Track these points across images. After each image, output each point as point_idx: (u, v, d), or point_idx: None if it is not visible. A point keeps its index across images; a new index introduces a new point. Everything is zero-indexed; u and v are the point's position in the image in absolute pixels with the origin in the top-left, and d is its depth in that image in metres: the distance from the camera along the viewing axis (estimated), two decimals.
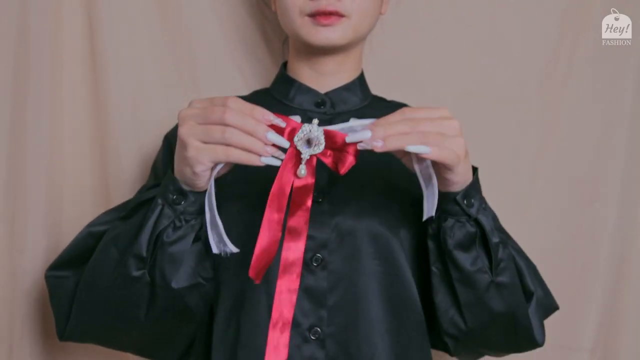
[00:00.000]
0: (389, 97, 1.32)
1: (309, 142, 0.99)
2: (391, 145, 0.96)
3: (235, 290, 1.14)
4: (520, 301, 1.14)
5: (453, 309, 1.12)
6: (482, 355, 1.25)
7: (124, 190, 1.38)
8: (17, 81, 1.28)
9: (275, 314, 1.07)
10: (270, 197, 1.00)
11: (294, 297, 1.07)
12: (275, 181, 1.00)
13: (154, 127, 1.38)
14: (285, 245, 1.05)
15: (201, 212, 1.04)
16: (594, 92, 1.49)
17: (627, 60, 1.48)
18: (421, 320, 1.17)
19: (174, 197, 1.02)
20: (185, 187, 1.02)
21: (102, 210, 1.23)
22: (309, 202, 1.04)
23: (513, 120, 1.49)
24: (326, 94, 1.24)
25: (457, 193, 1.03)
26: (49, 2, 1.34)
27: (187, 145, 0.97)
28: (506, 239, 1.14)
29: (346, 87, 1.24)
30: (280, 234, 1.01)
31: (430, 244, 1.10)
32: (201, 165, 0.98)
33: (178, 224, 1.03)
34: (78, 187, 1.41)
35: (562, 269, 1.49)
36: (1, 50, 1.27)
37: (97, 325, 1.13)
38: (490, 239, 1.07)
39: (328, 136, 0.99)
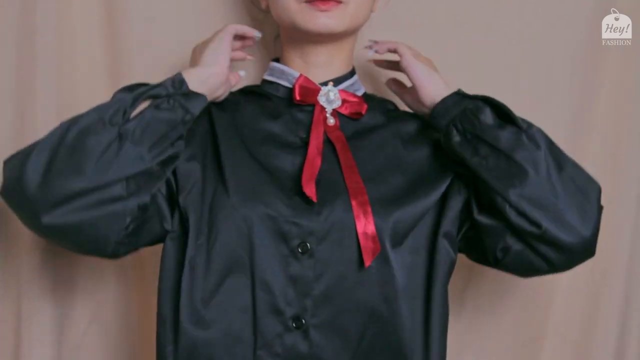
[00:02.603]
0: (385, 94, 1.34)
1: (329, 100, 1.21)
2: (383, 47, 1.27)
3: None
4: (563, 155, 1.17)
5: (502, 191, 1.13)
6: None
7: None
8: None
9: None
10: (310, 142, 1.16)
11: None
12: (312, 132, 1.18)
13: None
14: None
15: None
16: (594, 92, 1.49)
17: (627, 60, 1.48)
18: (401, 305, 1.16)
19: (174, 81, 1.12)
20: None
21: None
22: (343, 138, 1.19)
23: None
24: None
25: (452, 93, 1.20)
26: None
27: (208, 41, 1.20)
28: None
29: (338, 80, 1.24)
30: (320, 157, 1.15)
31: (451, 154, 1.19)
32: (227, 34, 1.19)
33: (169, 104, 1.11)
34: None
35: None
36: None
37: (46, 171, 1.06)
38: (502, 107, 1.17)
39: (342, 94, 1.23)
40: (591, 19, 1.47)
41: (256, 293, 1.12)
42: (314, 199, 1.12)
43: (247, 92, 1.28)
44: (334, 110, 1.21)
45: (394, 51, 1.26)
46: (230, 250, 1.12)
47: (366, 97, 1.27)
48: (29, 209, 1.06)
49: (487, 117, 1.16)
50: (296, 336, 1.12)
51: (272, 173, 1.16)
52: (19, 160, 1.07)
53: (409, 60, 1.24)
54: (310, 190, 1.12)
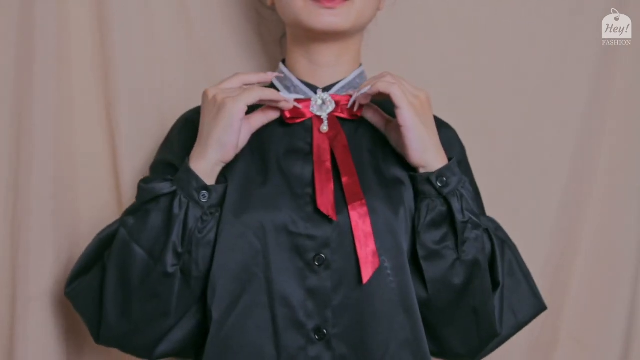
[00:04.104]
0: None
1: (322, 107, 1.18)
2: (375, 87, 1.12)
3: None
4: (486, 286, 1.16)
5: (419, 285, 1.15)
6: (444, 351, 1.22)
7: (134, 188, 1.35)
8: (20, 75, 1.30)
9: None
10: (314, 155, 1.15)
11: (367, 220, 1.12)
12: (314, 143, 1.16)
13: (153, 126, 1.38)
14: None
15: (223, 202, 1.13)
16: (592, 91, 1.49)
17: (627, 60, 1.48)
18: (413, 306, 1.15)
19: (199, 194, 1.10)
20: (208, 183, 1.11)
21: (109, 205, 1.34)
22: (345, 141, 1.16)
23: (511, 120, 1.49)
24: (325, 89, 1.21)
25: (432, 174, 1.12)
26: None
27: (221, 101, 1.09)
28: (480, 223, 1.15)
29: (346, 86, 1.21)
30: (330, 173, 1.13)
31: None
32: (239, 112, 1.08)
33: (206, 218, 1.12)
34: (91, 183, 1.41)
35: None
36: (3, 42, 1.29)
37: (129, 321, 1.14)
38: (456, 218, 1.12)
39: (335, 99, 1.19)
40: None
41: (275, 309, 1.11)
42: (334, 218, 1.11)
43: None
44: (330, 114, 1.18)
45: (387, 96, 1.13)
46: (243, 268, 1.12)
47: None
48: (137, 354, 1.19)
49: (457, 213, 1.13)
50: (320, 347, 1.11)
51: (283, 180, 1.15)
52: (92, 315, 1.16)
53: (406, 121, 1.11)
54: (326, 208, 1.11)
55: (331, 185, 1.12)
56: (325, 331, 1.11)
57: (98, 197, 1.40)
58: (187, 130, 1.21)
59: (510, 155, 1.49)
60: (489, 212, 1.28)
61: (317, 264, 1.11)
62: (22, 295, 1.30)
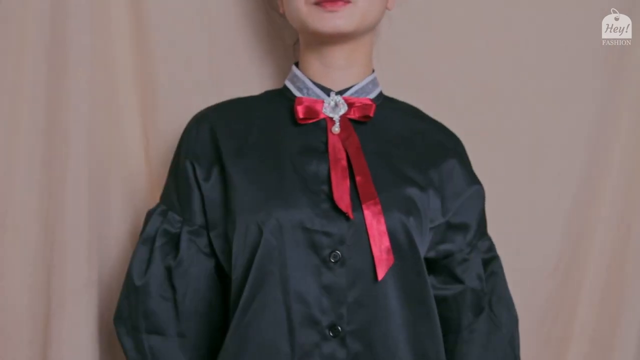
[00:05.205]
0: (400, 98, 1.32)
1: (335, 109, 1.19)
2: None
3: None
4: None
5: None
6: None
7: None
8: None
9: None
10: (330, 153, 1.16)
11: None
12: (329, 141, 1.17)
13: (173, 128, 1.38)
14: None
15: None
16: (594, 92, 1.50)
17: (627, 60, 1.49)
18: (432, 307, 1.18)
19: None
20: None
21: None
22: (357, 142, 1.17)
23: (524, 120, 1.50)
24: (338, 93, 1.21)
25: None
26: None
27: None
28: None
29: (359, 91, 1.22)
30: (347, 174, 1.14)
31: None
32: None
33: None
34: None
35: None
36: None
37: None
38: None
39: (348, 101, 1.20)
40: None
41: (290, 305, 1.12)
42: (351, 216, 1.12)
43: (269, 97, 1.27)
44: (342, 116, 1.19)
45: None
46: (259, 264, 1.13)
47: (385, 101, 1.26)
48: None
49: None
50: (334, 344, 1.12)
51: (297, 178, 1.16)
52: None
53: None
54: (345, 204, 1.12)
55: (347, 183, 1.13)
56: (339, 328, 1.12)
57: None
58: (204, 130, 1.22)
59: (523, 154, 1.49)
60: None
61: (332, 260, 1.12)
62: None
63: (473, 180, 1.25)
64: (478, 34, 1.48)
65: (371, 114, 1.20)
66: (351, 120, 1.20)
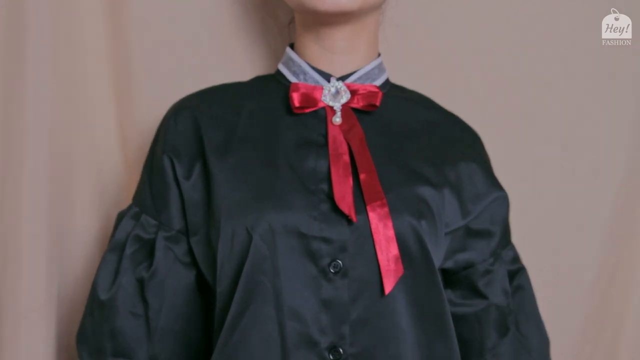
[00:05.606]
0: (409, 86, 1.24)
1: (335, 97, 1.12)
2: None
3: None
4: None
5: None
6: None
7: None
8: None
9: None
10: (330, 147, 1.08)
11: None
12: (329, 134, 1.09)
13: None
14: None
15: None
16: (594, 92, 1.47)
17: (627, 60, 1.47)
18: (448, 326, 1.10)
19: None
20: None
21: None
22: (361, 135, 1.10)
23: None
24: (340, 79, 1.14)
25: None
26: None
27: None
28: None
29: (363, 77, 1.14)
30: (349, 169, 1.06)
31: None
32: None
33: None
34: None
35: None
36: None
37: None
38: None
39: (351, 88, 1.13)
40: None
41: (284, 323, 1.03)
42: (354, 219, 1.03)
43: (260, 83, 1.19)
44: (344, 105, 1.11)
45: None
46: (248, 276, 1.03)
47: (392, 89, 1.19)
48: None
49: None
50: None
51: (293, 175, 1.08)
52: None
53: None
54: (347, 206, 1.04)
55: (350, 181, 1.05)
56: (341, 350, 1.03)
57: (99, 198, 1.34)
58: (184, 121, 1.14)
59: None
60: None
61: (332, 271, 1.04)
62: (9, 317, 1.21)
63: (496, 184, 1.18)
64: (471, 32, 1.44)
65: (377, 103, 1.12)
66: (354, 109, 1.12)
